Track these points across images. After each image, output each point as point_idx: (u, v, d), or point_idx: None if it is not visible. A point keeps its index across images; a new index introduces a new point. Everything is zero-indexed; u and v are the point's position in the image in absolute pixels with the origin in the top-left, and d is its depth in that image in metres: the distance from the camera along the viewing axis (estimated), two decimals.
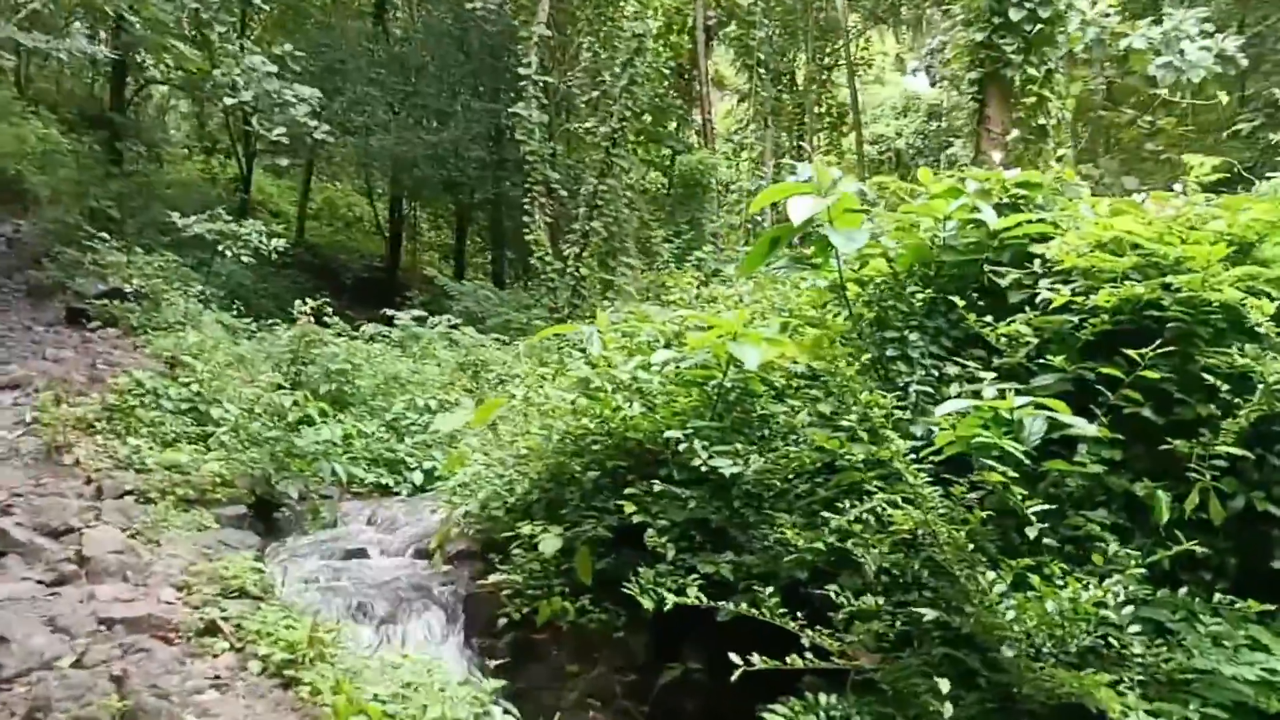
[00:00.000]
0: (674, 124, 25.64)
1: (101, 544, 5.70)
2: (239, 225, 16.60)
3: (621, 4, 17.04)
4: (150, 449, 7.54)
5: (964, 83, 12.65)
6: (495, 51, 22.84)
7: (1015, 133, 11.63)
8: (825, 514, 4.34)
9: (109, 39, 19.68)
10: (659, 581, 4.56)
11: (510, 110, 16.87)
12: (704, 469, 4.88)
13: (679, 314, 6.73)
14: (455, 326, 14.78)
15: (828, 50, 28.23)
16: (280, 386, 9.12)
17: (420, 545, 7.38)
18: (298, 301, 10.40)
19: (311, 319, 10.09)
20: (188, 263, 18.11)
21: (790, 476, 4.77)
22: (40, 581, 5.30)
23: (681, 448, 4.93)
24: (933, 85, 35.66)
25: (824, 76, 28.73)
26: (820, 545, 4.24)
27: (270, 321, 18.93)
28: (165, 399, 8.61)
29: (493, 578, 5.82)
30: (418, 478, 9.20)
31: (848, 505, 4.21)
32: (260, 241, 16.49)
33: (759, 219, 14.07)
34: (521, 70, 16.55)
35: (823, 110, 29.73)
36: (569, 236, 16.68)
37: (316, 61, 21.59)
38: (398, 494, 9.12)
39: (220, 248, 16.29)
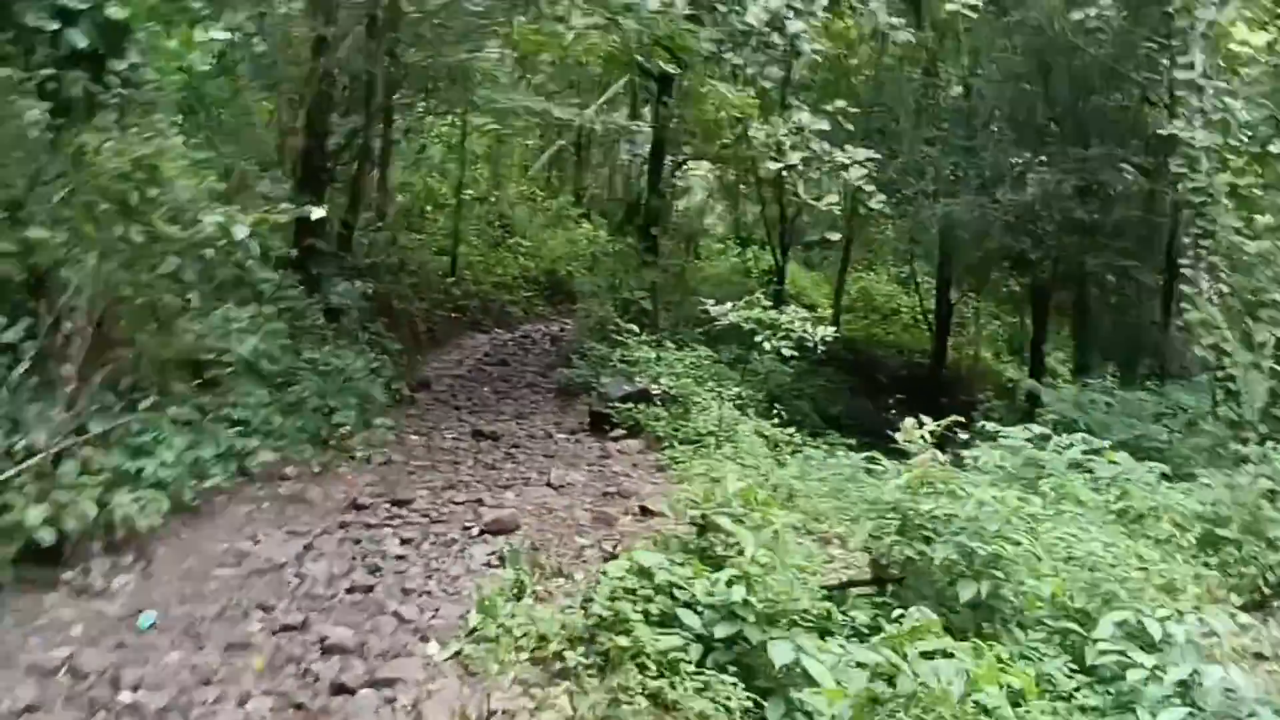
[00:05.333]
0: None
1: None
2: (779, 313, 12.91)
3: None
4: None
5: None
6: (1088, 82, 17.15)
7: None
8: None
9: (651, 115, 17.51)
10: None
11: (1161, 133, 11.22)
12: None
13: None
14: (1096, 451, 9.29)
15: None
16: (873, 593, 4.58)
17: None
18: (909, 421, 5.77)
19: (934, 454, 5.34)
20: (723, 359, 14.80)
21: None
22: None
23: None
24: None
25: None
26: None
27: (811, 429, 14.98)
28: (683, 605, 4.40)
29: None
30: None
31: None
32: (805, 331, 12.61)
33: None
34: (1178, 75, 10.88)
35: None
36: (1260, 313, 10.43)
37: (866, 123, 17.64)
38: None
39: (759, 339, 12.74)
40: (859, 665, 3.56)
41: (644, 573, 4.59)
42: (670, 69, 12.91)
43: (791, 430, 12.32)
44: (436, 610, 5.43)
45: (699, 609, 4.40)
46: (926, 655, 3.48)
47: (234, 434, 8.11)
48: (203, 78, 8.44)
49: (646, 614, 4.33)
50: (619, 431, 11.62)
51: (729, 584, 4.19)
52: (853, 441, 14.30)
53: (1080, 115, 17.66)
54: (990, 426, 10.14)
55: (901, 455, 8.24)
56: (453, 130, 22.50)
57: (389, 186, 18.20)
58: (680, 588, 4.49)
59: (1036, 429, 9.51)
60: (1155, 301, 18.07)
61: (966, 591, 4.69)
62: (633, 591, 4.46)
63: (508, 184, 26.23)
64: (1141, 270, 17.91)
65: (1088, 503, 8.39)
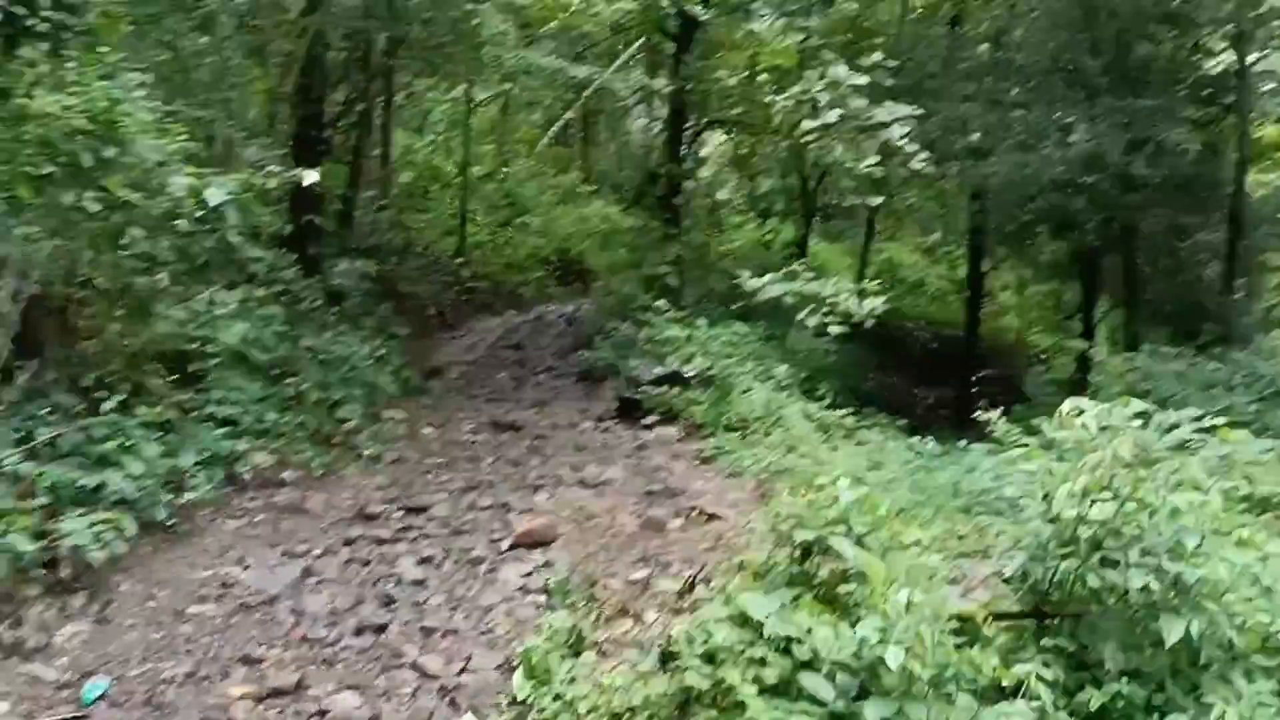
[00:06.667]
0: None
1: None
2: (822, 285, 11.68)
3: None
4: None
5: None
6: (1140, 26, 15.80)
7: None
8: None
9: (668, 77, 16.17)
10: None
11: (1256, 71, 9.95)
12: None
13: None
14: (1208, 429, 8.05)
15: None
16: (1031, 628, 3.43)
17: None
18: (1067, 404, 4.53)
19: (1125, 446, 4.11)
20: (758, 336, 13.57)
21: None
22: None
23: None
24: None
25: None
26: None
27: (847, 408, 13.75)
28: (805, 667, 3.23)
29: None
30: None
31: None
32: (852, 304, 11.37)
33: None
34: (1274, 2, 9.63)
35: None
36: None
37: (902, 78, 16.27)
38: None
39: (801, 316, 11.52)
40: None
41: (741, 620, 3.40)
42: (698, 12, 11.64)
43: (843, 412, 11.09)
44: (468, 660, 4.27)
45: (826, 670, 3.21)
46: None
47: (220, 435, 6.96)
48: (165, 10, 7.16)
49: (759, 681, 3.14)
50: (652, 418, 10.45)
51: (879, 642, 3.01)
52: (903, 422, 13.13)
53: (1128, 64, 16.29)
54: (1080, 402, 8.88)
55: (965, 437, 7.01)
56: (456, 105, 21.28)
57: (391, 161, 17.01)
58: (797, 641, 3.31)
59: (1138, 405, 8.27)
60: (1214, 263, 16.77)
61: (1174, 630, 3.53)
62: (733, 649, 3.27)
63: (515, 160, 24.97)
64: (1200, 229, 16.61)
65: (1208, 490, 7.19)
